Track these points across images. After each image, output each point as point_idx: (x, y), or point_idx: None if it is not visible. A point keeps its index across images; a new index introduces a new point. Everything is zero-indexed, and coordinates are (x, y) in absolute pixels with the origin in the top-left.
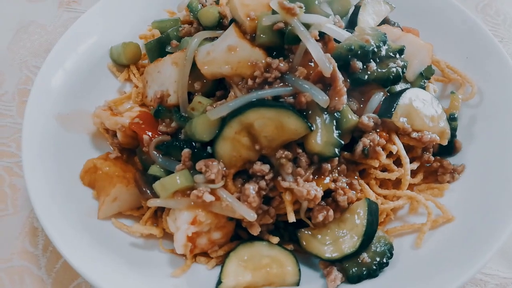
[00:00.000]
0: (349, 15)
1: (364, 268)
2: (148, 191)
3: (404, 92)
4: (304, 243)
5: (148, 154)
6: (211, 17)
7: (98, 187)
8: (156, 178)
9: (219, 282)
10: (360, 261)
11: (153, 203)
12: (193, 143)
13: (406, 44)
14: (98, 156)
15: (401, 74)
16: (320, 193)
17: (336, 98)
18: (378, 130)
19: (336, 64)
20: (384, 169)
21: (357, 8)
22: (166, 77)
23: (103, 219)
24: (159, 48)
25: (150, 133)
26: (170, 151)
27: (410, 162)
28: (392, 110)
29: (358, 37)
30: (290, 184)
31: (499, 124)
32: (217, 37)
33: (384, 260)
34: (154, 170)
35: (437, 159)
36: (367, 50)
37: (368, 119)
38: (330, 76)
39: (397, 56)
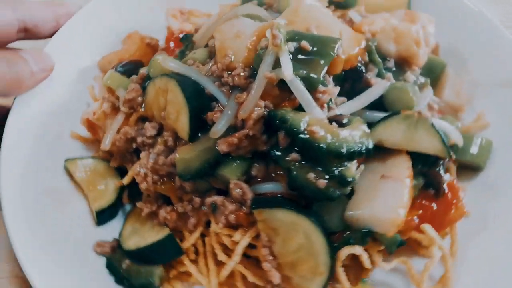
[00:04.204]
0: None
1: None
2: None
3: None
4: None
5: None
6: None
7: None
8: None
9: None
10: None
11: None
12: None
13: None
14: None
15: (315, 194)
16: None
17: (223, 144)
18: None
19: (257, 117)
20: None
21: None
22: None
23: None
24: None
25: None
26: None
27: None
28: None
29: (311, 120)
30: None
31: None
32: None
33: None
34: None
35: None
36: (298, 136)
37: (236, 189)
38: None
39: (334, 180)
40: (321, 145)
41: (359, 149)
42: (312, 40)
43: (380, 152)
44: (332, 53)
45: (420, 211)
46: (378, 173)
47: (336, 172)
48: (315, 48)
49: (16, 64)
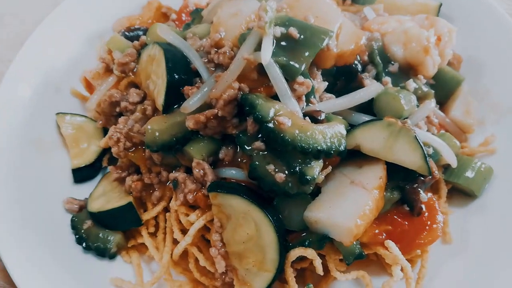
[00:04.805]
0: None
1: None
2: None
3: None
4: None
5: None
6: None
7: None
8: None
9: None
10: None
11: None
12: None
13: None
14: None
15: (272, 187)
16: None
17: (190, 120)
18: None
19: (228, 98)
20: None
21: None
22: None
23: None
24: None
25: None
26: None
27: None
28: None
29: (281, 110)
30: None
31: None
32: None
33: None
34: None
35: None
36: (264, 124)
37: (198, 168)
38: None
39: (294, 176)
40: (286, 137)
41: (327, 149)
42: (302, 28)
43: (359, 157)
44: (319, 44)
45: (390, 227)
46: (349, 178)
47: (297, 168)
48: (302, 37)
49: None
